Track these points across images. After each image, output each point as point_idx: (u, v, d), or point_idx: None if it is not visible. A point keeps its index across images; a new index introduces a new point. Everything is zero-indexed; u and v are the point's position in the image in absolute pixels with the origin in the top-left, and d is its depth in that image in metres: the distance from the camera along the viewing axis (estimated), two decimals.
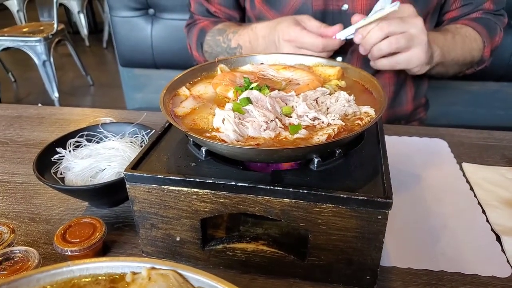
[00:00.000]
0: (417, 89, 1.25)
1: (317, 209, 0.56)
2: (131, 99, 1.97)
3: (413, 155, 0.91)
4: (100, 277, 0.36)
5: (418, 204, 0.76)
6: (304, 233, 0.59)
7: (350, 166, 0.61)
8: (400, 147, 0.94)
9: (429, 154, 0.91)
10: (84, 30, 5.11)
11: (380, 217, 0.54)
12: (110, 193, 0.73)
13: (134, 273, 0.37)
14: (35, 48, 3.51)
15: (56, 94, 3.63)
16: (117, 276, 0.36)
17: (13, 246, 0.62)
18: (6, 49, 3.54)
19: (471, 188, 0.80)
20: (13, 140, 1.04)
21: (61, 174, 0.78)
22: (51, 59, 3.56)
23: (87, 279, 0.36)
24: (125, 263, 0.37)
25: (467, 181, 0.82)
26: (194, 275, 0.36)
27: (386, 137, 0.69)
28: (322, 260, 0.60)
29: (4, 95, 3.67)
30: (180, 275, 0.36)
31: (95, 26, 5.67)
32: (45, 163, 0.78)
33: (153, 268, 0.36)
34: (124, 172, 0.60)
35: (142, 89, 1.97)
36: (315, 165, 0.59)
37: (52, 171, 0.78)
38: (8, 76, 4.13)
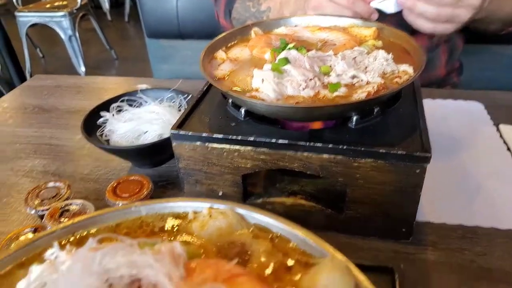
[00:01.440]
0: (451, 53, 1.22)
1: (356, 164, 0.58)
2: (158, 70, 2.00)
3: (448, 117, 0.91)
4: (165, 215, 0.40)
5: (453, 165, 0.77)
6: (341, 189, 0.61)
7: (388, 124, 0.62)
8: (434, 111, 0.93)
9: (465, 116, 0.91)
10: (105, 5, 5.14)
11: (418, 171, 0.56)
12: (153, 153, 0.77)
13: (195, 212, 0.40)
14: (61, 23, 3.58)
15: (83, 68, 3.72)
16: (180, 214, 0.40)
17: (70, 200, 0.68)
18: (33, 25, 3.62)
19: (509, 149, 0.80)
20: (56, 107, 1.10)
21: (105, 136, 0.82)
22: (77, 34, 3.63)
23: (153, 217, 0.40)
24: (187, 203, 0.40)
25: (504, 142, 0.82)
26: (250, 213, 0.39)
27: None
28: (359, 214, 0.62)
29: (33, 70, 3.78)
30: (237, 213, 0.39)
31: (116, 0, 5.67)
32: (91, 126, 0.82)
33: (212, 208, 0.40)
34: (171, 131, 0.63)
35: (168, 60, 2.00)
36: (354, 123, 0.61)
37: (98, 133, 0.82)
38: (37, 51, 4.24)
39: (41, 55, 4.29)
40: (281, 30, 0.81)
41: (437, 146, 0.80)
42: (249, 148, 0.61)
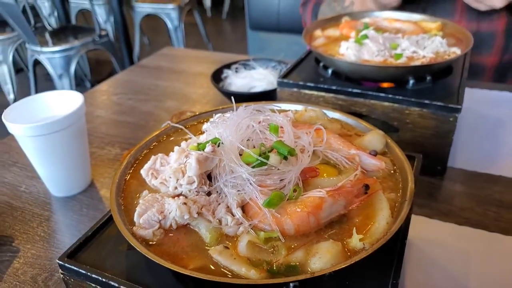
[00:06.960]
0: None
1: (407, 112, 0.82)
2: None
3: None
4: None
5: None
6: (394, 129, 0.85)
7: (436, 89, 0.85)
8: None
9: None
10: (207, 2, 5.72)
11: (451, 119, 0.78)
12: (260, 99, 1.07)
13: (295, 111, 0.68)
14: (170, 15, 4.16)
15: None
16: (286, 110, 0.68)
17: None
18: (145, 16, 4.25)
19: None
20: (184, 70, 1.47)
21: (224, 87, 1.15)
22: (182, 26, 4.18)
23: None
24: (290, 105, 0.69)
25: None
26: (330, 112, 0.66)
27: None
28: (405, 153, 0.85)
29: (141, 56, 4.42)
30: (322, 111, 0.67)
31: None
32: (216, 80, 1.15)
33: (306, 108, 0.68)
34: (278, 79, 0.92)
35: (264, 51, 2.33)
36: (410, 85, 0.84)
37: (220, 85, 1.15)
38: (143, 39, 4.92)
39: (147, 42, 4.97)
40: (365, 19, 1.07)
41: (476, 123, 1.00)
42: (331, 95, 0.88)
